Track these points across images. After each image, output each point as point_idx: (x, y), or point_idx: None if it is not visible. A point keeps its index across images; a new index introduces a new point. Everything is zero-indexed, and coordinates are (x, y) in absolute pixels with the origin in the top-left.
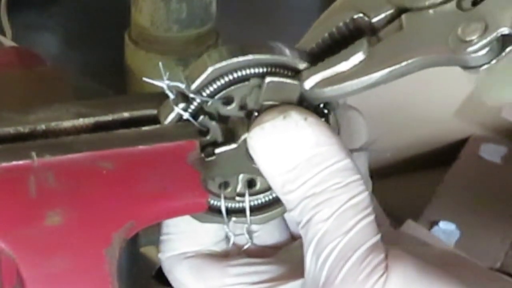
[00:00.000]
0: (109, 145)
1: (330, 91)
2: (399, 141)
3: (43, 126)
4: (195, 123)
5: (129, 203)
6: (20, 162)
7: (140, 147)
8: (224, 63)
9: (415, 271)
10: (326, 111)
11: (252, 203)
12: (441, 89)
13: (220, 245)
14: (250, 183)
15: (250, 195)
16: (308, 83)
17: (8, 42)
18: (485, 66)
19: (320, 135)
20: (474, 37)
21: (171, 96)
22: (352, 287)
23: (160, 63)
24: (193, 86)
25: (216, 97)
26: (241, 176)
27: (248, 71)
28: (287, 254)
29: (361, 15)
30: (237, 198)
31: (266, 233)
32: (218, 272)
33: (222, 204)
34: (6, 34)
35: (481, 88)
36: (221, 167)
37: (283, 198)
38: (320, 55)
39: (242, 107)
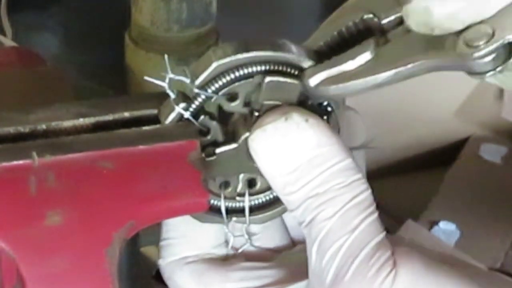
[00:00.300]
0: (110, 145)
1: (334, 90)
2: (399, 141)
3: (43, 126)
4: (196, 122)
5: (129, 203)
6: (21, 162)
7: (141, 147)
8: (228, 59)
9: (423, 266)
10: (329, 109)
11: (252, 203)
12: (441, 89)
13: (220, 248)
14: (251, 183)
15: (251, 194)
16: (313, 81)
17: (8, 42)
18: (491, 73)
19: (321, 136)
20: (480, 43)
21: (172, 95)
22: (362, 284)
23: (166, 57)
24: (198, 82)
25: (220, 93)
26: (241, 176)
27: (251, 69)
28: (288, 258)
29: (371, 15)
30: (238, 198)
31: (266, 236)
32: (219, 278)
33: (222, 204)
34: (6, 34)
35: None
36: (222, 166)
37: (284, 199)
38: (328, 54)
39: (247, 103)
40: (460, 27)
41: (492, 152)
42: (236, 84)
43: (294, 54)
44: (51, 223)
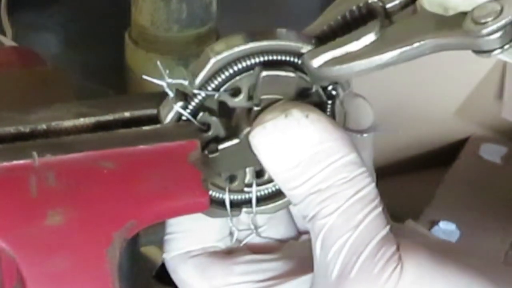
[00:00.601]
0: (110, 145)
1: (338, 70)
2: (399, 141)
3: (44, 126)
4: (194, 121)
5: (130, 203)
6: (21, 162)
7: (141, 146)
8: (225, 53)
9: (429, 260)
10: (334, 93)
11: (261, 193)
12: (441, 89)
13: (225, 241)
14: (258, 173)
15: (259, 184)
16: (317, 62)
17: (8, 42)
18: (498, 51)
19: (323, 132)
20: (488, 20)
21: (171, 94)
22: (368, 280)
23: (159, 62)
24: (197, 81)
25: (222, 88)
26: (248, 168)
27: (250, 61)
28: (293, 249)
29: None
30: (246, 189)
31: (272, 227)
32: (223, 271)
33: (227, 198)
34: (6, 34)
35: None
36: (226, 162)
37: (287, 193)
38: (331, 37)
39: (251, 97)
40: (473, 6)
41: (492, 152)
42: (237, 78)
43: (293, 41)
44: (51, 223)
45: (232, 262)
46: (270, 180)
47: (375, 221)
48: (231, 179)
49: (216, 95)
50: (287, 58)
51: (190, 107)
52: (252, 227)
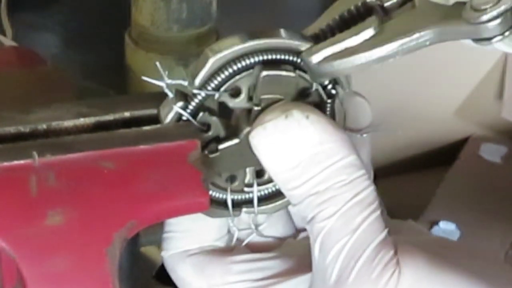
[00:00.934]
0: (110, 145)
1: (339, 65)
2: (399, 141)
3: (44, 126)
4: (194, 121)
5: (130, 203)
6: (21, 162)
7: (141, 146)
8: (224, 53)
9: (427, 264)
10: (333, 92)
11: (261, 193)
12: (441, 89)
13: (223, 240)
14: (258, 173)
15: (259, 184)
16: (316, 57)
17: (8, 41)
18: (498, 38)
19: (323, 133)
20: (487, 6)
21: (170, 94)
22: (366, 285)
23: (158, 63)
24: (197, 81)
25: (222, 88)
26: (248, 168)
27: (249, 60)
28: (291, 247)
29: None
30: (246, 189)
31: (270, 225)
32: (221, 270)
33: (229, 199)
34: (6, 33)
35: None
36: (226, 162)
37: (287, 194)
38: (329, 36)
39: (251, 98)
40: None
41: (492, 152)
42: (237, 77)
43: (292, 39)
44: (51, 222)
45: (230, 260)
46: (270, 180)
47: (373, 224)
48: (231, 179)
49: (216, 95)
50: (287, 57)
51: (190, 107)
52: (253, 226)
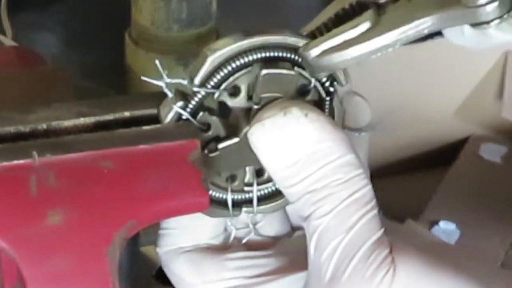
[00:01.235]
0: (110, 145)
1: (337, 57)
2: (399, 141)
3: (44, 126)
4: (194, 121)
5: (130, 203)
6: (21, 161)
7: (141, 146)
8: (223, 51)
9: (422, 264)
10: (332, 89)
11: (261, 192)
12: (441, 89)
13: (218, 238)
14: (258, 173)
15: (259, 184)
16: (315, 51)
17: (8, 41)
18: (496, 21)
19: (321, 132)
20: None
21: (170, 94)
22: (360, 283)
23: (157, 62)
24: (196, 80)
25: (222, 87)
26: (248, 167)
27: (247, 57)
28: (287, 245)
29: None
30: (246, 189)
31: (267, 224)
32: (215, 266)
33: (229, 198)
34: (6, 33)
35: None
36: (226, 161)
37: (284, 191)
38: (324, 33)
39: (250, 97)
40: None
41: (492, 152)
42: (236, 76)
43: (289, 35)
44: (51, 222)
45: (225, 257)
46: (270, 180)
47: (369, 223)
48: (231, 178)
49: (216, 94)
50: (285, 54)
51: (190, 106)
52: (251, 226)
